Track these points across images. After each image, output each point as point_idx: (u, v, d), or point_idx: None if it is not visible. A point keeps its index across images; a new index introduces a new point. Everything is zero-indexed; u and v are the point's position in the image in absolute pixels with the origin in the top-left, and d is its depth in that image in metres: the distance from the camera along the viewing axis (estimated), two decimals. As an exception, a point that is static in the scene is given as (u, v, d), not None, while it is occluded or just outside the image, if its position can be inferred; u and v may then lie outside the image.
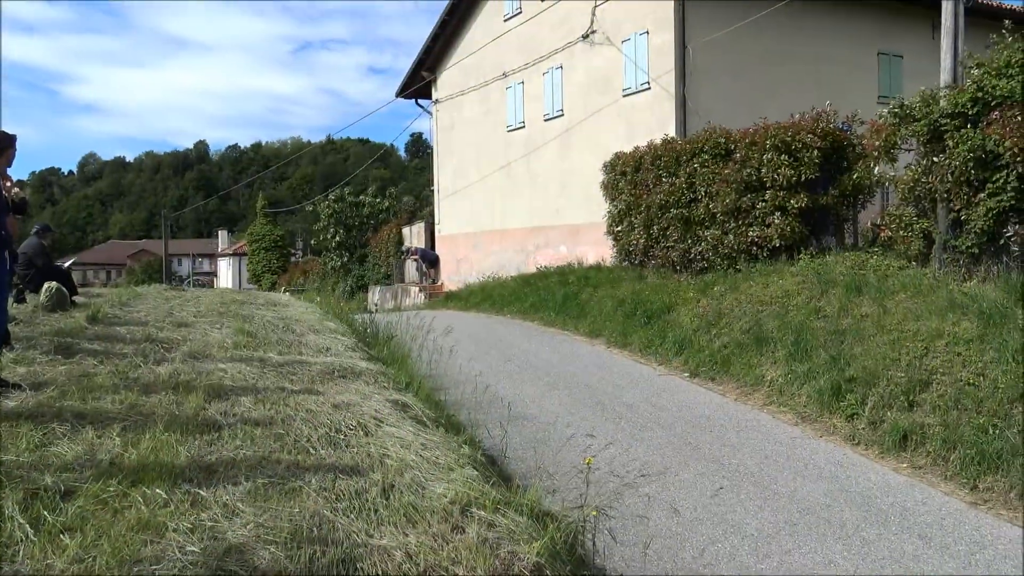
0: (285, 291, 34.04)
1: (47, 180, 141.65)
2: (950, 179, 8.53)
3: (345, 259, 32.91)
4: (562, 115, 19.80)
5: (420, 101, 26.95)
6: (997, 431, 6.04)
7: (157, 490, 3.94)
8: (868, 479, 6.10)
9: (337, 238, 33.44)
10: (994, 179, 8.12)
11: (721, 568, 4.59)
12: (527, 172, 21.27)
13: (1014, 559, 4.71)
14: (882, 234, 10.14)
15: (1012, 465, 5.70)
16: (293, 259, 46.03)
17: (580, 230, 18.63)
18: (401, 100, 27.13)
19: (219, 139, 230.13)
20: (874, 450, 6.73)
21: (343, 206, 34.17)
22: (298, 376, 6.81)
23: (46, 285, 9.10)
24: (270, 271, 41.30)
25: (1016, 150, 7.85)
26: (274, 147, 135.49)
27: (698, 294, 11.46)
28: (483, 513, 4.10)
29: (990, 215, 8.16)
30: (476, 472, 4.86)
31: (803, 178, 11.27)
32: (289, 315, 10.66)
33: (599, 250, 16.72)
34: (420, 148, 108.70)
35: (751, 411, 8.09)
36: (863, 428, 7.05)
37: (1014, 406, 6.19)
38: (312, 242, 39.40)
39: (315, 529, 3.74)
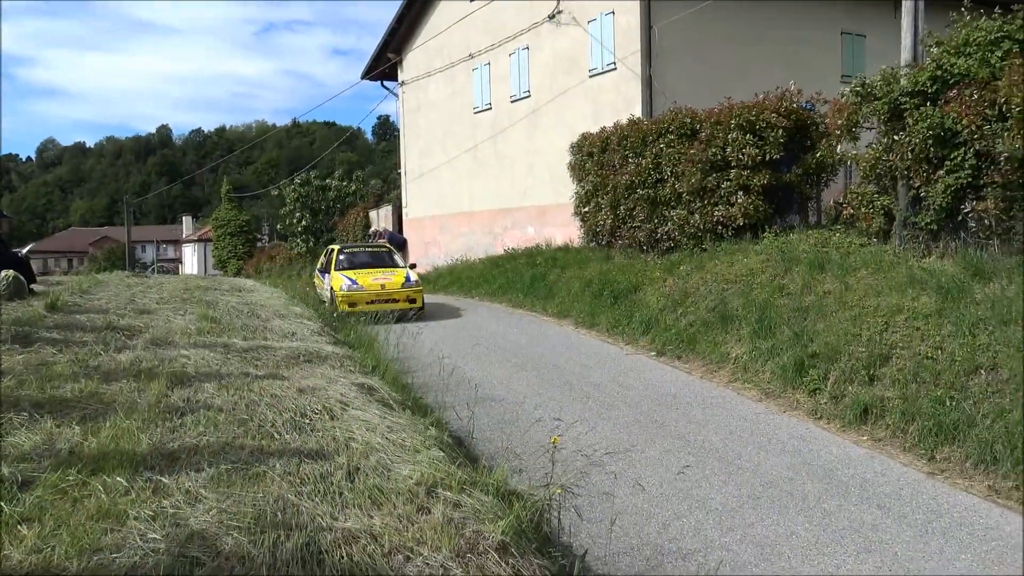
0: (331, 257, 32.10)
1: (4, 166, 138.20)
2: (910, 156, 8.63)
3: (312, 243, 32.62)
4: (529, 96, 19.74)
5: (386, 83, 26.68)
6: (954, 403, 6.18)
7: (118, 478, 3.90)
8: (830, 452, 6.21)
9: (303, 222, 33.14)
10: (952, 156, 8.24)
11: (686, 542, 4.65)
12: (494, 154, 21.20)
13: (968, 526, 4.84)
14: (844, 212, 10.26)
15: (968, 435, 5.84)
16: (259, 244, 45.54)
17: (547, 211, 18.64)
18: (367, 82, 26.86)
19: (182, 123, 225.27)
20: (836, 424, 6.86)
21: (309, 190, 33.85)
22: (263, 361, 6.76)
23: (3, 273, 8.91)
24: (236, 257, 40.80)
25: (973, 127, 7.96)
26: (238, 131, 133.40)
27: (664, 274, 11.54)
28: (449, 494, 4.12)
29: (948, 192, 8.28)
30: (442, 453, 4.87)
31: (767, 157, 11.37)
32: (254, 300, 10.56)
33: (567, 231, 16.75)
34: (387, 131, 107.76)
35: (716, 388, 8.19)
36: (825, 402, 7.18)
37: (970, 378, 6.33)
38: (278, 227, 38.92)
39: (279, 513, 3.73)
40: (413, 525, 3.74)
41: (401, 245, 25.83)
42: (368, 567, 3.33)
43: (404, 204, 26.38)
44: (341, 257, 15.24)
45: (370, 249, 16.57)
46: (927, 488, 5.46)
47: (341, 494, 4.05)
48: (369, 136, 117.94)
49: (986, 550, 4.53)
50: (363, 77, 26.53)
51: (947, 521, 4.92)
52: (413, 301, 13.70)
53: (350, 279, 13.84)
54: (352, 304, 12.94)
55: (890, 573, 4.28)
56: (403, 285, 13.85)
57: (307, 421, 5.20)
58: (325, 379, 6.30)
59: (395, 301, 13.43)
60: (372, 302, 13.09)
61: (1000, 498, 5.21)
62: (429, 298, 15.58)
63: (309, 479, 4.20)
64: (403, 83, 25.78)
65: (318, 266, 16.77)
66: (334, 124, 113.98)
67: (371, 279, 13.95)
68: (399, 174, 27.74)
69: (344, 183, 34.59)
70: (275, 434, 4.89)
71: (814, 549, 4.56)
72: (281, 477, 4.17)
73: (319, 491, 4.06)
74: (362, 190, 34.36)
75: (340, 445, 4.77)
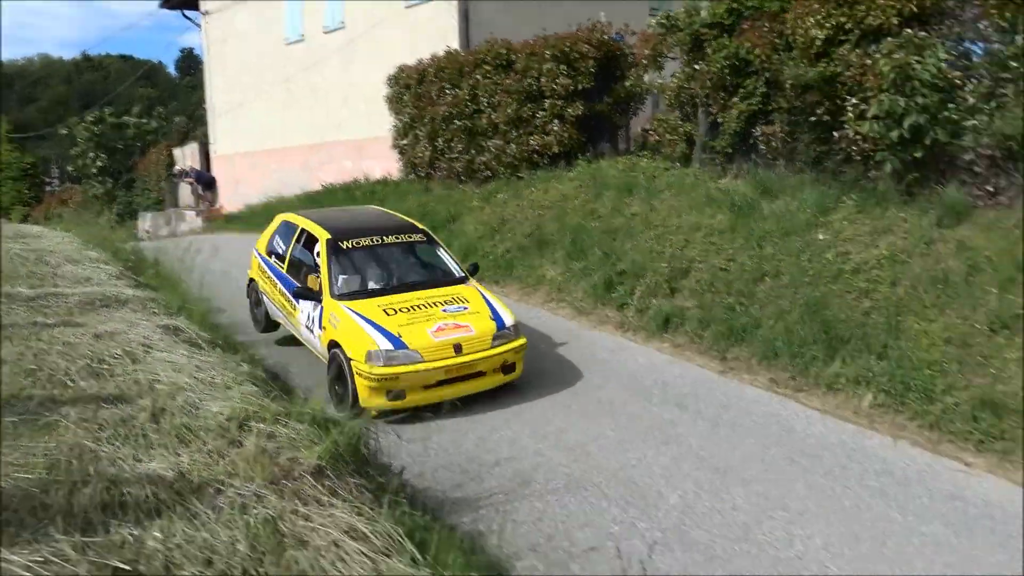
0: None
1: None
2: (709, 85, 9.14)
3: (109, 185, 30.07)
4: (343, 28, 18.94)
5: (187, 12, 24.61)
6: (743, 308, 6.79)
7: None
8: (636, 360, 6.66)
9: (99, 163, 30.39)
10: (746, 84, 8.81)
11: (502, 452, 4.86)
12: (308, 87, 20.30)
13: (753, 415, 5.40)
14: (651, 138, 10.76)
15: (754, 336, 6.45)
16: (48, 188, 41.42)
17: (365, 145, 18.19)
18: (167, 12, 24.67)
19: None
20: (641, 335, 7.33)
21: (104, 128, 30.99)
22: (53, 309, 6.26)
23: None
24: (21, 203, 36.85)
25: (764, 57, 8.54)
26: (18, 65, 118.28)
27: (482, 203, 11.68)
28: (262, 425, 4.05)
29: (742, 117, 8.88)
30: (256, 388, 4.76)
31: (580, 87, 11.62)
32: (42, 247, 9.67)
33: (385, 164, 16.46)
34: (192, 64, 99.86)
35: (532, 309, 8.48)
36: (632, 316, 7.63)
37: (757, 285, 6.95)
38: (70, 169, 35.48)
39: (74, 461, 3.53)
40: (224, 459, 3.66)
41: (210, 183, 24.44)
42: (176, 503, 3.24)
43: (212, 141, 24.81)
44: (334, 263, 6.75)
45: (391, 239, 7.24)
46: (719, 385, 6.00)
47: (145, 436, 3.89)
48: (172, 70, 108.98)
49: (766, 434, 5.08)
50: (162, 6, 24.39)
51: (735, 412, 5.46)
52: (511, 369, 6.27)
53: (387, 333, 5.96)
54: (398, 395, 5.77)
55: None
56: (495, 339, 6.13)
57: (105, 367, 4.90)
58: (126, 323, 5.93)
59: (480, 376, 6.07)
60: (440, 384, 5.89)
61: (779, 387, 5.84)
62: (239, 237, 14.82)
63: (109, 424, 3.99)
64: (207, 13, 23.91)
65: (264, 250, 8.07)
66: (131, 58, 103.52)
67: (431, 330, 6.06)
68: (205, 110, 25.98)
69: (144, 120, 31.98)
70: (68, 382, 4.58)
71: (618, 447, 4.92)
72: (76, 425, 3.93)
73: (120, 435, 3.88)
74: (165, 127, 31.92)
75: (143, 388, 4.55)
